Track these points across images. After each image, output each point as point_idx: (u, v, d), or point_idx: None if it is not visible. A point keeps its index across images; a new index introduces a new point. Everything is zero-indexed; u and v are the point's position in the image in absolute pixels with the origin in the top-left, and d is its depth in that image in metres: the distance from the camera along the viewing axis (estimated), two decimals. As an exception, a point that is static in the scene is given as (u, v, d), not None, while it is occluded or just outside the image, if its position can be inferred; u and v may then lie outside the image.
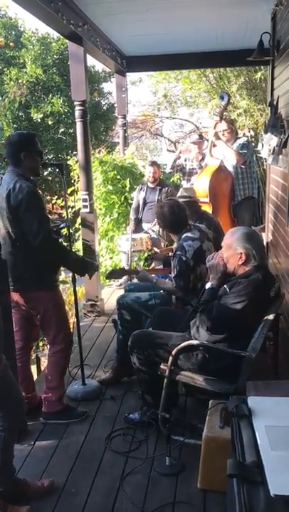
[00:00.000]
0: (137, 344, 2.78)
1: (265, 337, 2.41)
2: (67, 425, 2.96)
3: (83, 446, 2.77)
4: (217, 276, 2.58)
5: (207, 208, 4.68)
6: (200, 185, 4.94)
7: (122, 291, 4.29)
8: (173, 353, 2.55)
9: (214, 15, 4.47)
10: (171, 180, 6.38)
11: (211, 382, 2.49)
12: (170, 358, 2.56)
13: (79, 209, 5.00)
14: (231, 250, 2.52)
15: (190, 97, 11.20)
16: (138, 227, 5.67)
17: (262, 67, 7.35)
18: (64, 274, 5.38)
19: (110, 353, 3.93)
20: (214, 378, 2.49)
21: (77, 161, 5.54)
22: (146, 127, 13.63)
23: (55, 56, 9.77)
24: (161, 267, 3.94)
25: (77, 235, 5.81)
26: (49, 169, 9.59)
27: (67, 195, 4.10)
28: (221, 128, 5.05)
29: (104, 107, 10.92)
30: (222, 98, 5.01)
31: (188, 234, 3.19)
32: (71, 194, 6.23)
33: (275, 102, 3.82)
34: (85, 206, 4.74)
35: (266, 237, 4.68)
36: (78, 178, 5.22)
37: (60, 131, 9.81)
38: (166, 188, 5.64)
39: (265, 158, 4.35)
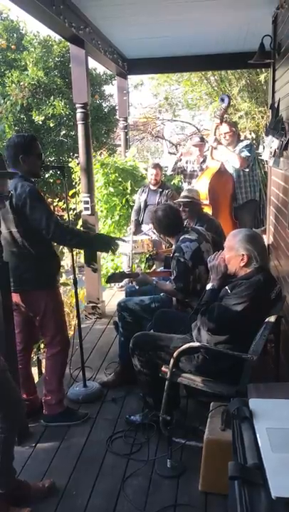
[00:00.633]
0: (138, 346, 2.78)
1: (266, 339, 2.41)
2: (68, 427, 2.96)
3: (84, 448, 2.77)
4: (218, 277, 2.59)
5: (207, 210, 4.68)
6: (200, 188, 4.94)
7: (122, 293, 4.30)
8: (174, 355, 2.55)
9: (215, 18, 4.48)
10: (172, 183, 6.39)
11: (212, 384, 2.49)
12: (171, 360, 2.56)
13: (80, 211, 5.01)
14: (233, 252, 2.53)
15: (191, 100, 11.23)
16: (138, 229, 5.70)
17: (264, 70, 7.36)
18: (65, 276, 5.39)
19: (111, 355, 3.93)
20: (215, 380, 2.49)
21: (78, 164, 5.56)
22: (148, 129, 13.65)
23: (56, 59, 9.80)
24: (162, 268, 3.94)
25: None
26: (51, 171, 9.68)
27: (68, 198, 4.11)
28: (222, 131, 5.06)
29: (106, 110, 10.95)
30: (222, 100, 5.02)
31: (186, 235, 3.21)
32: (72, 196, 6.24)
33: (276, 105, 3.83)
34: (86, 208, 4.75)
35: (267, 239, 4.68)
36: (79, 180, 5.23)
37: (62, 133, 9.84)
38: (167, 191, 5.65)
39: (266, 161, 4.35)
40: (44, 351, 3.78)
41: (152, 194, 5.71)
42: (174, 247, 3.29)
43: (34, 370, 3.87)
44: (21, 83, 8.95)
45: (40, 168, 2.95)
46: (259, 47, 4.16)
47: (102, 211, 6.30)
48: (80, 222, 5.01)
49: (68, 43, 4.50)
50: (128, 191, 6.31)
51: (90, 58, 4.63)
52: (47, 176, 9.78)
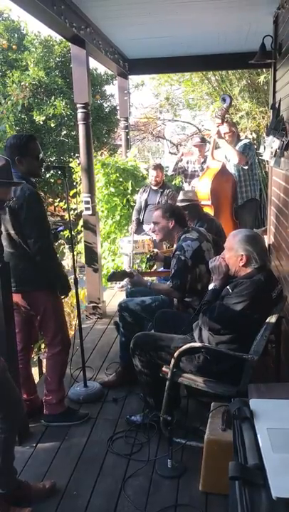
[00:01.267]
0: (139, 346, 2.78)
1: (267, 339, 2.41)
2: (69, 427, 2.96)
3: (85, 448, 2.77)
4: (220, 277, 2.59)
5: (209, 211, 4.69)
6: (202, 188, 4.95)
7: (123, 294, 4.29)
8: (175, 355, 2.55)
9: (216, 18, 4.48)
10: (173, 183, 6.38)
11: (212, 384, 2.49)
12: (172, 360, 2.56)
13: (81, 211, 5.00)
14: (232, 252, 2.53)
15: (192, 100, 11.22)
16: (139, 228, 5.70)
17: (264, 70, 7.36)
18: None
19: (112, 355, 3.93)
20: (216, 381, 2.49)
21: (79, 164, 5.55)
22: (149, 130, 13.64)
23: (57, 59, 9.81)
24: (162, 268, 3.94)
25: (79, 237, 5.82)
26: (51, 171, 9.68)
27: (69, 198, 4.11)
28: (222, 131, 5.06)
29: (107, 110, 10.96)
30: (224, 100, 5.02)
31: (187, 234, 3.22)
32: (73, 196, 6.24)
33: (277, 105, 3.83)
34: (87, 208, 4.75)
35: (268, 239, 4.68)
36: (80, 180, 5.23)
37: (63, 133, 9.84)
38: (168, 191, 5.65)
39: (267, 161, 4.35)
40: (45, 351, 3.78)
41: (153, 194, 5.71)
42: (175, 246, 3.29)
43: (34, 370, 3.88)
44: (22, 83, 8.94)
45: (39, 168, 2.93)
46: (260, 47, 4.17)
47: (102, 211, 6.30)
48: (81, 222, 5.01)
49: (69, 43, 4.50)
50: (129, 191, 6.31)
51: (90, 58, 4.63)
52: (48, 176, 9.79)
